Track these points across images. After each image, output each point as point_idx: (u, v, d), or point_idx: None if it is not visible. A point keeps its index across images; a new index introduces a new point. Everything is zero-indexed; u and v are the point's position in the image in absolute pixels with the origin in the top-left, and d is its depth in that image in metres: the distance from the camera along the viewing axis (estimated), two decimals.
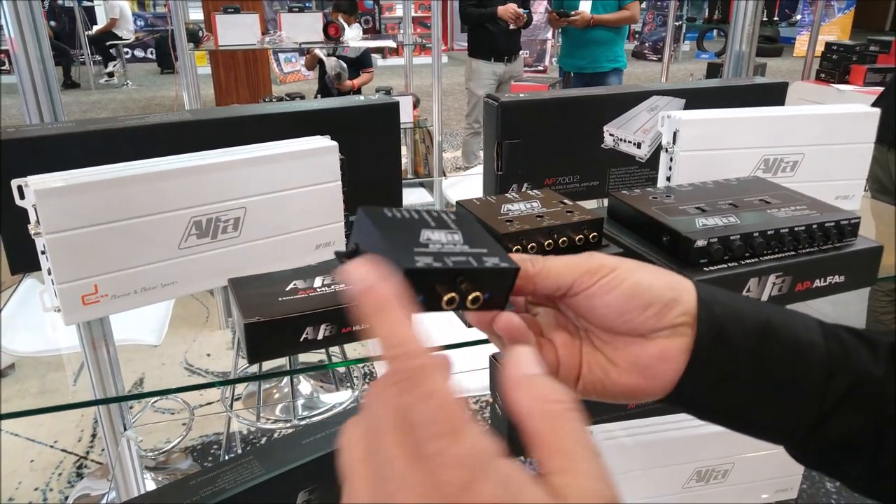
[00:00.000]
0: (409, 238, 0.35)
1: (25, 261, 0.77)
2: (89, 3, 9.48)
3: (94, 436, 2.18)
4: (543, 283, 0.38)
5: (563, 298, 0.40)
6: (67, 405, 0.84)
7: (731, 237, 0.68)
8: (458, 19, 4.32)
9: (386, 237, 0.34)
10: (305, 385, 2.37)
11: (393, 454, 0.25)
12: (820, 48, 3.02)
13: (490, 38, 4.08)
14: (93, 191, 0.66)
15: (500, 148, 0.94)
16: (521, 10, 3.97)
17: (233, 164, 0.73)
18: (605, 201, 1.00)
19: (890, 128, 1.64)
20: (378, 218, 0.36)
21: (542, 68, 8.49)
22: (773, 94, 1.05)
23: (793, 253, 0.70)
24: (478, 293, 0.35)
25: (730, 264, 0.68)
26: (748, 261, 0.69)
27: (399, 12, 9.55)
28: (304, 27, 3.44)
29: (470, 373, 1.17)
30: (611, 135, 0.99)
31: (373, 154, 0.96)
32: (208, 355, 2.60)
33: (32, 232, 0.65)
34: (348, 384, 2.40)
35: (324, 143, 0.79)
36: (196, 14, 5.50)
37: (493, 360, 0.90)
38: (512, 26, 4.02)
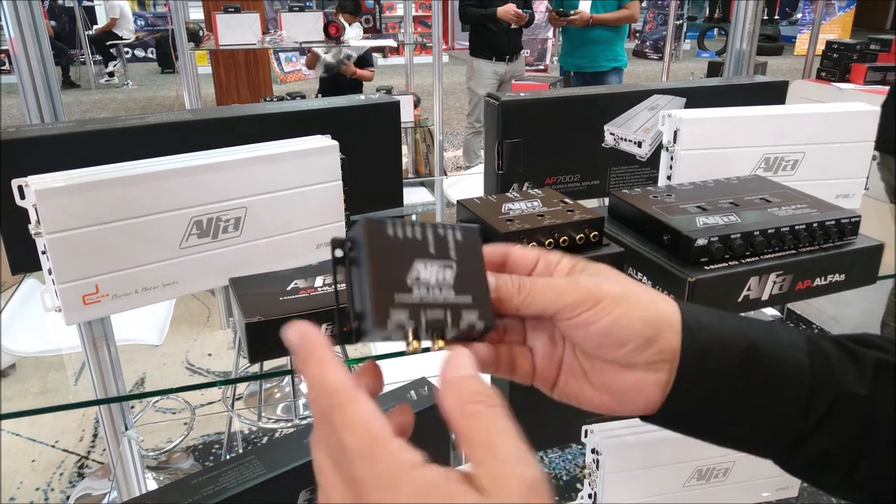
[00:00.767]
0: (395, 275, 0.34)
1: (26, 261, 0.77)
2: (89, 3, 9.48)
3: (95, 435, 2.18)
4: (527, 311, 0.39)
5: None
6: (69, 405, 0.84)
7: (732, 236, 0.68)
8: (459, 18, 4.30)
9: (372, 271, 0.33)
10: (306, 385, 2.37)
11: (333, 483, 0.29)
12: (820, 47, 3.02)
13: (491, 38, 4.08)
14: (93, 190, 0.66)
15: (501, 147, 0.94)
16: (521, 11, 3.96)
17: (234, 164, 0.73)
18: (606, 200, 1.00)
19: (890, 137, 1.63)
20: (374, 239, 0.34)
21: (542, 67, 8.49)
22: (774, 93, 1.05)
23: (793, 251, 0.70)
24: (443, 343, 0.35)
25: (730, 263, 0.68)
26: (749, 259, 0.69)
27: (400, 11, 9.55)
28: (305, 27, 3.44)
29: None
30: (611, 134, 0.99)
31: (374, 153, 0.96)
32: (209, 355, 2.60)
33: (33, 232, 0.65)
34: None
35: (324, 143, 0.79)
36: (196, 14, 5.50)
37: None
38: (514, 25, 4.02)
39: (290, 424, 2.20)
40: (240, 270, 0.75)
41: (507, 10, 3.93)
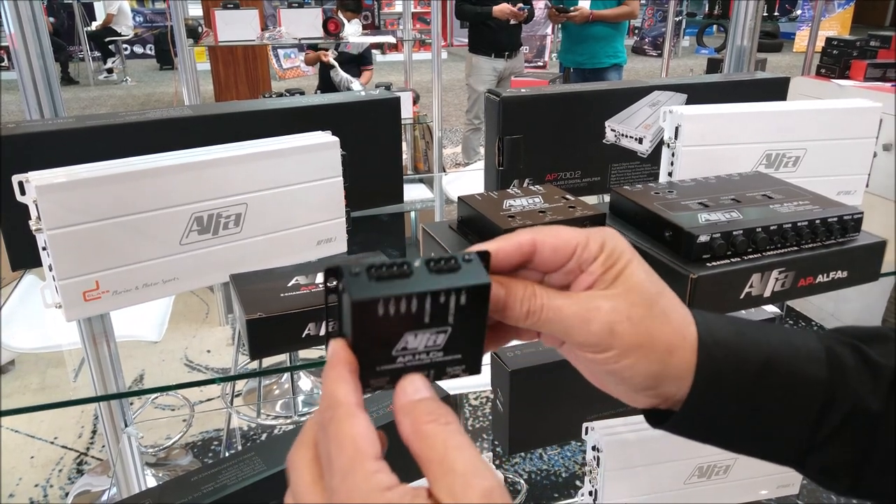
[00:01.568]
0: (378, 353, 0.33)
1: (26, 257, 0.77)
2: (88, 0, 9.46)
3: (94, 432, 2.18)
4: (540, 327, 0.38)
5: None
6: (68, 402, 0.84)
7: (734, 232, 0.67)
8: (455, 16, 4.30)
9: (353, 351, 0.33)
10: (305, 381, 2.37)
11: (306, 486, 0.32)
12: (820, 44, 3.02)
13: (490, 34, 4.07)
14: (94, 186, 0.66)
15: (502, 143, 0.94)
16: (518, 8, 3.96)
17: (234, 160, 0.73)
18: (606, 197, 1.00)
19: None
20: (360, 322, 0.32)
21: (541, 64, 8.48)
22: (775, 90, 1.05)
23: (795, 248, 0.70)
24: None
25: (732, 260, 0.68)
26: (751, 256, 0.68)
27: (398, 8, 9.53)
28: (304, 23, 3.43)
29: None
30: (612, 130, 0.99)
31: (374, 149, 0.96)
32: (208, 351, 2.60)
33: (33, 228, 0.65)
34: None
35: (325, 139, 0.79)
36: (195, 10, 5.48)
37: (495, 355, 0.90)
38: (512, 22, 4.01)
39: (289, 421, 2.20)
40: (240, 267, 0.74)
41: (503, 9, 3.92)
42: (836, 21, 9.77)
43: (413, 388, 0.32)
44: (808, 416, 0.39)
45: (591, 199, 0.87)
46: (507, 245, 0.37)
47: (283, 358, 1.93)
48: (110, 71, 9.09)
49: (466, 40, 4.28)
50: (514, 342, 0.43)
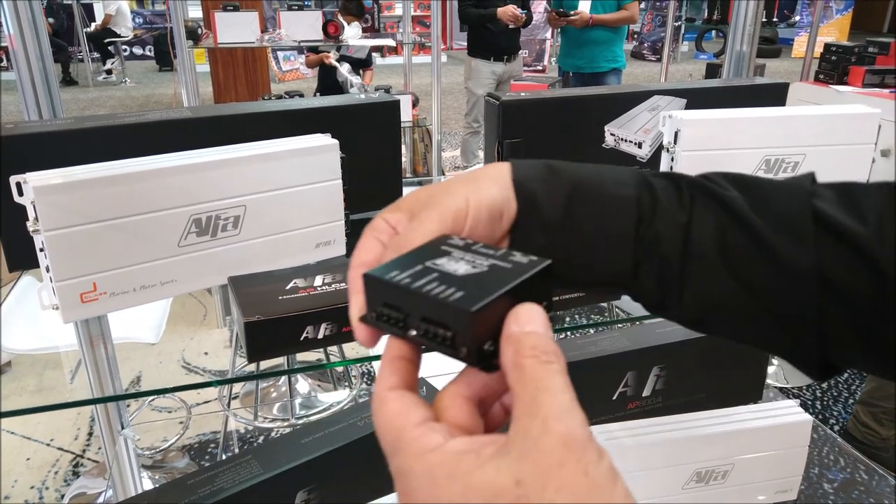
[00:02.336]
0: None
1: (24, 258, 0.76)
2: (87, 1, 9.46)
3: (90, 434, 2.17)
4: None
5: None
6: (64, 404, 0.84)
7: None
8: (457, 18, 4.30)
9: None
10: (303, 384, 2.36)
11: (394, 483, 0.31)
12: (818, 49, 3.02)
13: (490, 38, 4.08)
14: (92, 188, 0.66)
15: (501, 147, 0.94)
16: (519, 12, 3.96)
17: (233, 162, 0.73)
18: None
19: None
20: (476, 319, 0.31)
21: (540, 68, 8.49)
22: (775, 95, 1.05)
23: None
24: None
25: None
26: None
27: (398, 11, 9.54)
28: (304, 25, 3.43)
29: None
30: (612, 134, 0.99)
31: (373, 152, 0.95)
32: (206, 354, 2.59)
33: (31, 229, 0.65)
34: (346, 383, 2.39)
35: (324, 141, 0.79)
36: (195, 12, 5.49)
37: None
38: (511, 26, 4.02)
39: (286, 424, 2.19)
40: (239, 269, 0.74)
41: (506, 11, 3.93)
42: (834, 27, 9.79)
43: (526, 318, 0.31)
44: (625, 233, 0.41)
45: None
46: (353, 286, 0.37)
47: (280, 361, 1.92)
48: (109, 72, 9.09)
49: (466, 44, 4.29)
50: None
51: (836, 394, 2.50)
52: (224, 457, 2.06)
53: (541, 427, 0.26)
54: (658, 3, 10.50)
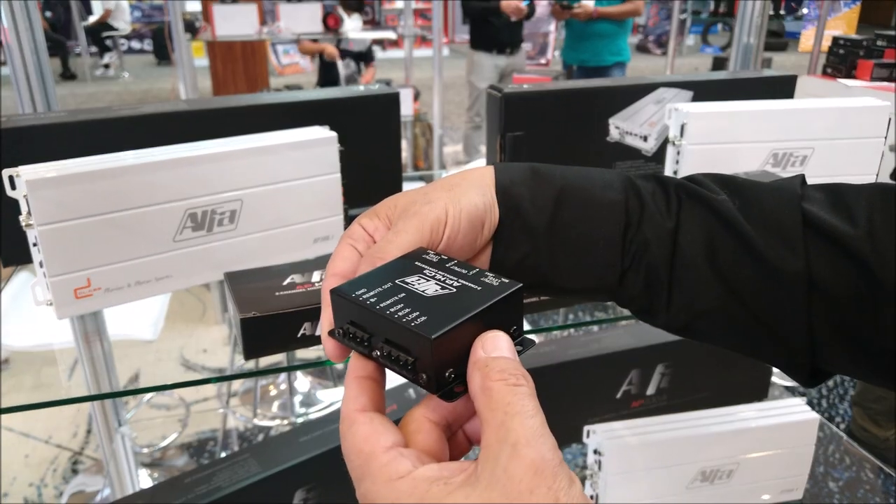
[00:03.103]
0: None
1: (18, 253, 0.75)
2: None
3: (88, 431, 2.16)
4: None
5: None
6: (61, 401, 0.83)
7: None
8: (459, 11, 4.28)
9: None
10: (303, 381, 2.35)
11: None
12: (826, 43, 2.99)
13: (492, 31, 4.05)
14: (86, 181, 0.64)
15: (504, 140, 0.93)
16: (522, 4, 3.94)
17: (229, 155, 0.71)
18: None
19: None
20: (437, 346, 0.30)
21: (544, 61, 8.45)
22: (782, 88, 1.03)
23: None
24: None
25: None
26: None
27: (399, 3, 9.50)
28: (303, 18, 3.41)
29: None
30: (616, 127, 0.97)
31: (372, 146, 0.94)
32: (204, 351, 2.58)
33: (24, 223, 0.63)
34: None
35: (323, 134, 0.77)
36: (193, 5, 5.47)
37: None
38: (514, 18, 3.99)
39: (285, 422, 2.18)
40: (235, 265, 0.73)
41: (509, 4, 3.90)
42: (841, 20, 9.72)
43: (492, 344, 0.31)
44: (612, 239, 0.40)
45: None
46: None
47: (280, 358, 1.91)
48: (107, 66, 9.06)
49: (468, 37, 4.26)
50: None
51: (842, 391, 2.48)
52: (223, 455, 2.05)
53: (510, 452, 0.26)
54: None
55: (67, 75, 8.60)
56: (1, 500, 1.89)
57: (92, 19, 9.10)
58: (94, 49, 9.16)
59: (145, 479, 1.87)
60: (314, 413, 2.23)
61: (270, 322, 0.62)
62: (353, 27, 3.82)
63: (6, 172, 0.62)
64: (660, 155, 0.99)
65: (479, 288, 0.33)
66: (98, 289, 0.68)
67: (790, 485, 0.96)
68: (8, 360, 2.27)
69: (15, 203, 0.63)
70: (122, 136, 0.78)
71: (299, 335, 0.63)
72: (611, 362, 0.94)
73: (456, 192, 0.39)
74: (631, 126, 0.97)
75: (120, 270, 0.69)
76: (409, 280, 0.34)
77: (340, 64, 4.01)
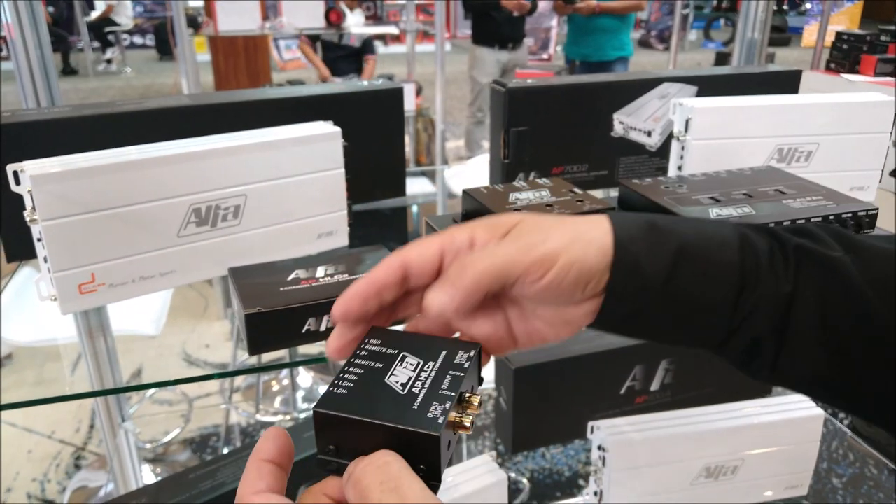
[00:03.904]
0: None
1: (22, 249, 0.75)
2: None
3: (92, 426, 2.17)
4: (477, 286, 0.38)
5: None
6: (65, 396, 0.83)
7: None
8: (462, 6, 4.26)
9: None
10: (305, 377, 2.35)
11: None
12: (829, 38, 2.98)
13: (494, 26, 4.04)
14: (90, 176, 0.64)
15: (507, 135, 0.92)
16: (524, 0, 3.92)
17: (233, 150, 0.71)
18: (612, 191, 0.98)
19: None
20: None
21: (546, 56, 8.43)
22: (787, 83, 1.02)
23: None
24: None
25: None
26: None
27: None
28: (305, 13, 3.40)
29: None
30: (620, 122, 0.97)
31: (376, 141, 0.94)
32: (207, 346, 2.58)
33: (28, 219, 0.63)
34: None
35: (326, 129, 0.77)
36: (196, 1, 5.45)
37: None
38: (516, 13, 3.98)
39: (288, 418, 2.19)
40: (239, 260, 0.73)
41: (509, 2, 3.89)
42: (844, 16, 9.68)
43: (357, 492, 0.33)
44: (725, 300, 0.40)
45: (597, 194, 0.85)
46: (380, 270, 0.38)
47: (283, 353, 1.91)
48: (109, 62, 9.05)
49: (470, 32, 4.25)
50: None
51: None
52: (226, 450, 2.05)
53: None
54: None
55: (68, 71, 8.59)
56: (4, 496, 1.90)
57: (95, 14, 9.08)
58: (96, 44, 9.15)
59: (148, 475, 1.88)
60: None
61: (275, 317, 0.61)
62: (355, 22, 3.82)
63: (10, 167, 0.62)
64: (664, 150, 0.99)
65: (418, 409, 0.33)
66: (102, 284, 0.68)
67: (795, 481, 0.96)
68: (11, 355, 2.27)
69: (19, 198, 0.63)
70: (126, 131, 0.78)
71: (304, 331, 0.63)
72: (614, 358, 0.94)
73: (576, 243, 0.39)
74: (635, 121, 0.97)
75: (124, 266, 0.69)
76: (392, 368, 0.36)
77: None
